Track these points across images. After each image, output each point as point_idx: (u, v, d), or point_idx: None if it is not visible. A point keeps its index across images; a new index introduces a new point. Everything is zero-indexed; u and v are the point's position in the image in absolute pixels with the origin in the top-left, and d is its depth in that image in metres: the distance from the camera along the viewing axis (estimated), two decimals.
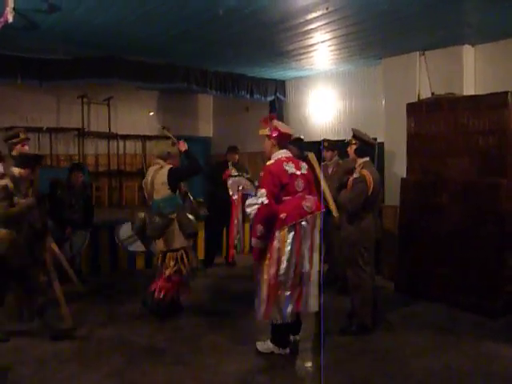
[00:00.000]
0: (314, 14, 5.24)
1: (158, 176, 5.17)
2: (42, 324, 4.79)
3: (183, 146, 5.26)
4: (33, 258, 4.77)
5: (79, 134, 9.90)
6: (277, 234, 4.13)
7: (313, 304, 4.30)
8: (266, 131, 4.36)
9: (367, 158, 4.96)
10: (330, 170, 6.51)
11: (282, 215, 4.10)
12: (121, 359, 4.29)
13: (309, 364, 4.34)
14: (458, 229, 5.67)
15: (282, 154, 4.32)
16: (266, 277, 4.17)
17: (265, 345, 4.44)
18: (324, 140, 6.77)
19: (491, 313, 5.31)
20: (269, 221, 4.09)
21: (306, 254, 4.21)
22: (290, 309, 4.20)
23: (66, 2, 4.80)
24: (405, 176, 6.41)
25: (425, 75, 6.79)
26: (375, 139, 7.20)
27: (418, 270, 6.06)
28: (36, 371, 4.05)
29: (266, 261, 4.18)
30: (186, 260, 5.17)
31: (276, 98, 9.43)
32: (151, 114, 10.84)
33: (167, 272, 5.10)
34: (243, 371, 4.07)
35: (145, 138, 10.80)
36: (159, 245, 5.22)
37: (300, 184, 4.25)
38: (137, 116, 10.57)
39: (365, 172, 4.77)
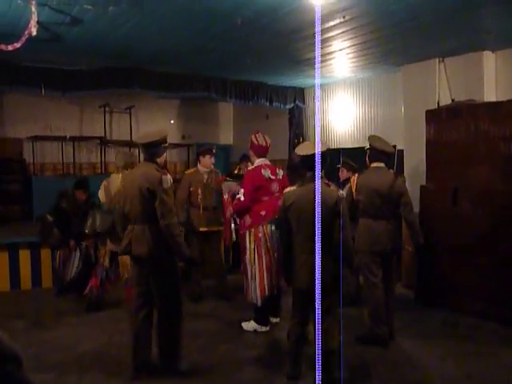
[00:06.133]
0: (331, 23, 5.26)
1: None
2: None
3: None
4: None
5: (101, 143, 10.07)
6: (261, 228, 4.94)
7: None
8: (249, 144, 5.35)
9: (377, 164, 4.93)
10: None
11: (262, 212, 4.95)
12: None
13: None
14: (478, 237, 5.59)
15: (261, 161, 5.17)
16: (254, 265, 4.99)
17: (249, 324, 5.14)
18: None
19: None
20: (240, 211, 5.11)
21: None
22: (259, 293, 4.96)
23: (87, 15, 4.91)
24: (424, 183, 6.36)
25: (444, 82, 6.75)
26: (394, 146, 7.17)
27: (438, 279, 5.99)
28: (58, 377, 4.12)
29: (251, 254, 4.98)
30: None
31: (295, 106, 9.48)
32: (172, 122, 10.97)
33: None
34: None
35: None
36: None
37: (276, 187, 5.06)
38: (158, 124, 10.68)
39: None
